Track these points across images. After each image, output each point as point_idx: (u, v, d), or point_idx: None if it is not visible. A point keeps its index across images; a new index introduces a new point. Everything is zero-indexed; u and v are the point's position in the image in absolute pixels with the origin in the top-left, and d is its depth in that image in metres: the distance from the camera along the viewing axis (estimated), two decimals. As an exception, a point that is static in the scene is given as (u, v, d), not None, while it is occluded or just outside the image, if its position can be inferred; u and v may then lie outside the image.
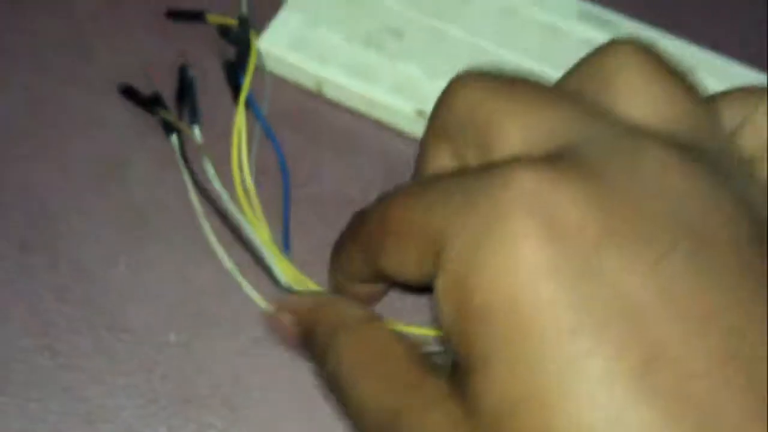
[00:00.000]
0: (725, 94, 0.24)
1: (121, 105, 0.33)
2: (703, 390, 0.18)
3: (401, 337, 0.24)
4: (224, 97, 0.33)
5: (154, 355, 0.29)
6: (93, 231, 0.31)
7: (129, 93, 0.33)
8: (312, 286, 0.29)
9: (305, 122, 0.33)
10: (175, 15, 0.35)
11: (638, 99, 0.22)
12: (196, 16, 0.34)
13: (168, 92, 0.33)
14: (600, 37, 0.34)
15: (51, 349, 0.28)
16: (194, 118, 0.32)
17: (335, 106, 0.34)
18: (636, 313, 0.19)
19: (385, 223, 0.23)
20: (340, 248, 0.27)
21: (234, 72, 0.33)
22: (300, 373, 0.28)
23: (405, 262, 0.22)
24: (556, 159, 0.20)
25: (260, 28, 0.34)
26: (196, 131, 0.32)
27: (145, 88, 0.33)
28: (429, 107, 0.32)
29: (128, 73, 0.33)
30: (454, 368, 0.21)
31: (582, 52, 0.34)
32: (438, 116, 0.24)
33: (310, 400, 0.28)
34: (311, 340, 0.26)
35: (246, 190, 0.30)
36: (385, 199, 0.24)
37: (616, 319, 0.18)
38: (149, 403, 0.28)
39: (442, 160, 0.24)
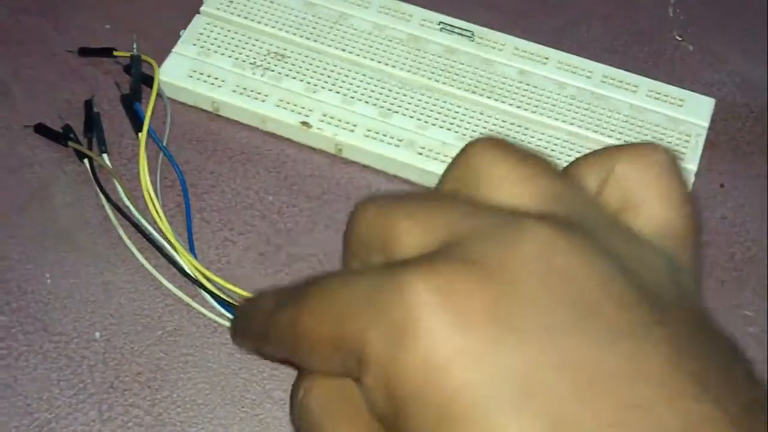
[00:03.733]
0: (583, 159, 0.26)
1: (39, 141, 0.37)
2: None
3: None
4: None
5: (82, 351, 0.33)
6: (20, 251, 0.35)
7: (42, 130, 0.37)
8: (213, 277, 0.33)
9: (205, 140, 0.38)
10: (87, 52, 0.39)
11: (504, 187, 0.24)
12: (105, 52, 0.39)
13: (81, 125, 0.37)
14: (459, 45, 0.39)
15: (-9, 353, 0.33)
16: (102, 147, 0.36)
17: (231, 123, 0.38)
18: (538, 383, 0.21)
19: (298, 331, 0.24)
20: (247, 329, 0.26)
21: (130, 103, 0.37)
22: (213, 357, 0.33)
23: (323, 363, 0.24)
24: (448, 255, 0.22)
25: (162, 61, 0.38)
26: (105, 158, 0.36)
27: (59, 124, 0.37)
28: (311, 119, 0.37)
29: (44, 113, 0.38)
30: None
31: (444, 59, 0.39)
32: (347, 241, 0.26)
33: (225, 380, 0.32)
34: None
35: (153, 203, 0.35)
36: (290, 303, 0.25)
37: (523, 393, 0.20)
38: (80, 392, 0.32)
39: None
